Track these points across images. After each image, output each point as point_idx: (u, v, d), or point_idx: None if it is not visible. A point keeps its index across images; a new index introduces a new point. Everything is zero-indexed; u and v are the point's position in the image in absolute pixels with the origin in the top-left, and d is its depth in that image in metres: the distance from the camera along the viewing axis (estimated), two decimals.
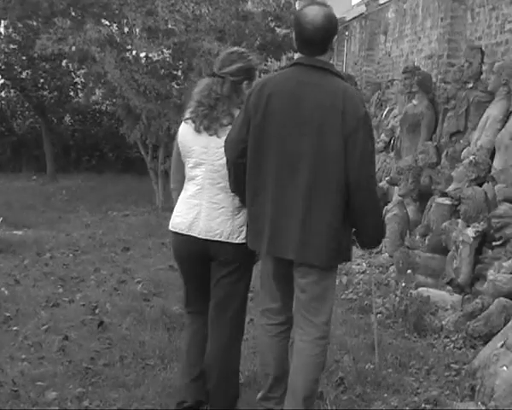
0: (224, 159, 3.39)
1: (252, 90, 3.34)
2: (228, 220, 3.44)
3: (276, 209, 3.23)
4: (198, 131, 3.47)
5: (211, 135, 3.45)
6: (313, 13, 3.17)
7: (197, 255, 3.50)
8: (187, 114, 3.56)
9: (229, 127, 3.40)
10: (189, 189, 3.55)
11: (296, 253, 3.19)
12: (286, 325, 3.49)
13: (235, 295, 3.49)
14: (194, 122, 3.49)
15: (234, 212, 3.45)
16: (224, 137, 3.40)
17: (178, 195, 3.64)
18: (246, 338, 3.98)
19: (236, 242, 3.43)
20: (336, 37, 3.27)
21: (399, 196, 7.58)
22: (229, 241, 3.42)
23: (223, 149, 3.39)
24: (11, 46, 13.05)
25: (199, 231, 3.45)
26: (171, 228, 3.58)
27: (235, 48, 3.75)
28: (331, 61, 3.38)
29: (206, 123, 3.45)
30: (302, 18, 3.20)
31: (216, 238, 3.43)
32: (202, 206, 3.48)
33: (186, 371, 3.65)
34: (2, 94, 15.55)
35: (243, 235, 3.42)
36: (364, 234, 3.33)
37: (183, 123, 3.59)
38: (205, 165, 3.48)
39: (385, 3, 12.15)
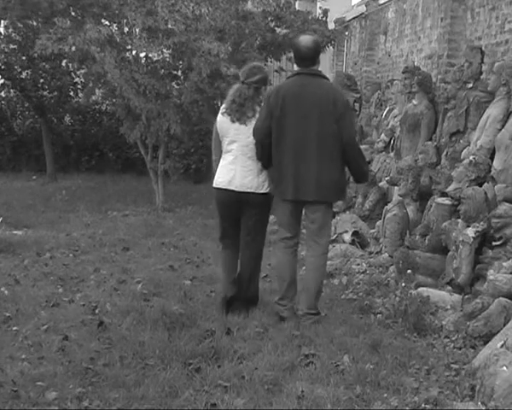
0: (251, 138, 5.13)
1: (270, 93, 5.14)
2: (255, 178, 5.20)
3: (296, 171, 5.00)
4: (233, 121, 5.19)
5: (241, 124, 5.17)
6: (305, 39, 5.16)
7: (234, 202, 5.24)
8: (223, 109, 5.28)
9: (253, 119, 5.15)
10: (226, 158, 5.28)
11: (315, 196, 5.02)
12: (296, 246, 5.30)
13: (259, 227, 5.32)
14: (229, 115, 5.21)
15: (258, 173, 5.21)
16: (249, 125, 5.14)
17: (217, 164, 5.33)
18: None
19: (261, 192, 5.21)
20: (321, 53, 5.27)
21: (399, 196, 7.58)
22: (256, 192, 5.19)
23: (250, 132, 5.13)
24: (11, 46, 13.00)
25: (235, 186, 5.20)
26: (215, 185, 5.33)
27: (256, 63, 5.61)
28: (320, 68, 5.24)
29: (238, 115, 5.18)
30: (298, 43, 5.15)
31: (247, 190, 5.19)
32: (237, 170, 5.20)
33: (226, 278, 5.42)
34: (2, 94, 15.50)
35: (265, 188, 5.22)
36: (355, 171, 5.25)
37: (220, 114, 5.30)
38: (238, 142, 5.20)
39: (385, 3, 12.14)
